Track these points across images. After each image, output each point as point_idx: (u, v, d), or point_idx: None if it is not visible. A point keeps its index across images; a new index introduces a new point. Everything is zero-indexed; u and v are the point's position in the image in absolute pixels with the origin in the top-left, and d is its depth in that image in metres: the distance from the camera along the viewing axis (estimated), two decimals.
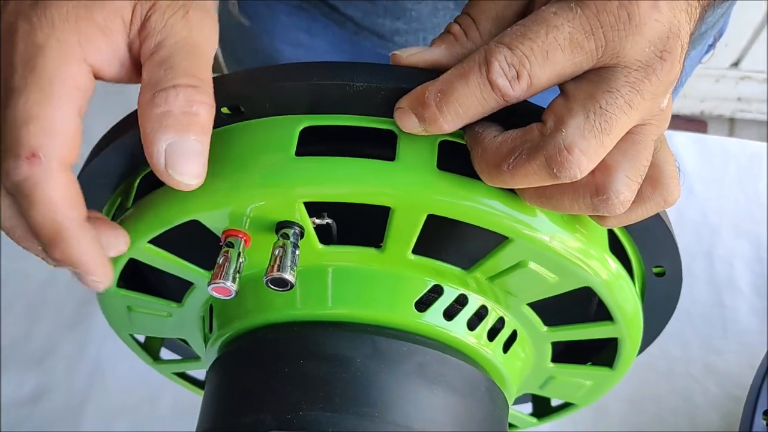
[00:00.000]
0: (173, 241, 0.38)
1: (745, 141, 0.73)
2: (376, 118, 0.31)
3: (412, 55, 0.30)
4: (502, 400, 0.37)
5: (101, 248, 0.29)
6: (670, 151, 0.31)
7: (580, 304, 0.41)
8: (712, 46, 0.69)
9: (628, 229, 0.37)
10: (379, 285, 0.34)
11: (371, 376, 0.32)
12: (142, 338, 0.47)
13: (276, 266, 0.30)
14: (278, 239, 0.31)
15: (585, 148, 0.27)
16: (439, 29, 0.61)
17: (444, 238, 0.35)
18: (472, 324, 0.35)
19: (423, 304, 0.34)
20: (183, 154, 0.27)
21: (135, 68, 0.29)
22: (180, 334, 0.43)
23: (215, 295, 0.31)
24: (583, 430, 0.59)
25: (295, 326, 0.34)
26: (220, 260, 0.31)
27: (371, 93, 0.30)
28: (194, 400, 0.54)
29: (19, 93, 0.26)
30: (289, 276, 0.30)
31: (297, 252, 0.31)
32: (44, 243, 0.28)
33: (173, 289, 0.40)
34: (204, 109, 0.28)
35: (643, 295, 0.41)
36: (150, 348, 0.47)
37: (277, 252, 0.31)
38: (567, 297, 0.36)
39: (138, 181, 0.35)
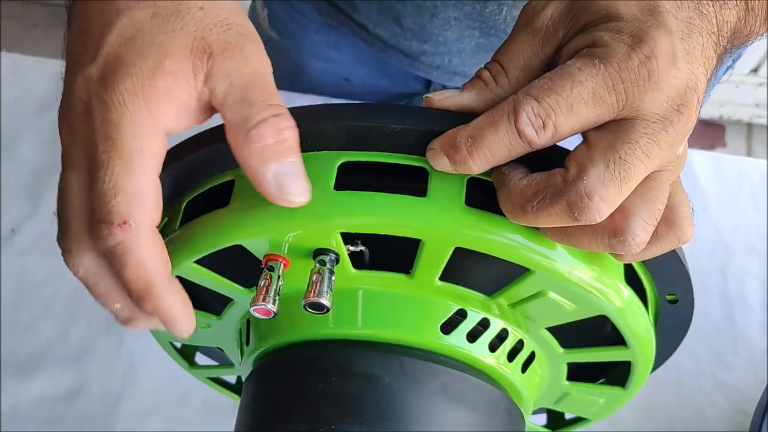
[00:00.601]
0: (215, 259, 0.41)
1: (758, 160, 0.74)
2: (410, 156, 0.33)
3: (444, 98, 0.32)
4: (519, 417, 0.39)
5: (186, 299, 0.33)
6: (685, 193, 0.33)
7: (595, 326, 0.43)
8: (730, 67, 0.70)
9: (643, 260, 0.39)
10: (407, 308, 0.36)
11: (398, 394, 0.34)
12: (178, 344, 0.49)
13: (314, 292, 0.33)
14: (315, 265, 0.34)
15: (605, 195, 0.29)
16: (464, 53, 0.63)
17: (469, 266, 0.37)
18: (494, 346, 0.37)
19: (448, 327, 0.36)
20: (288, 176, 0.30)
21: (204, 112, 0.31)
22: (217, 343, 0.45)
23: (257, 315, 0.34)
24: None
25: (327, 344, 0.36)
26: (262, 283, 0.34)
27: (406, 134, 0.32)
28: (222, 399, 0.57)
29: (105, 167, 0.29)
30: (325, 301, 0.33)
31: (333, 278, 0.33)
32: (136, 298, 0.31)
33: (213, 302, 0.43)
34: (290, 132, 0.30)
35: (657, 320, 0.43)
36: (186, 353, 0.50)
37: (314, 278, 0.33)
38: (583, 320, 0.38)
39: (184, 204, 0.37)
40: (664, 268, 0.39)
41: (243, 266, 0.36)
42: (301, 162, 0.31)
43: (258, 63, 0.31)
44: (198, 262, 0.37)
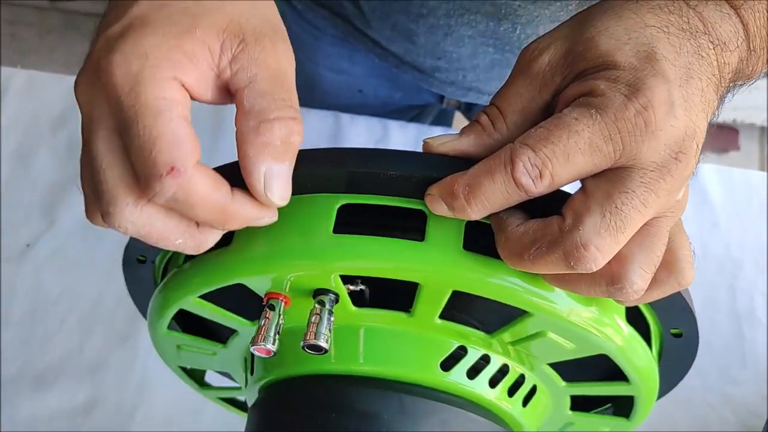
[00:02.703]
0: (219, 291, 0.41)
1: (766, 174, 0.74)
2: (408, 199, 0.33)
3: (443, 144, 0.32)
4: None
5: (254, 199, 0.31)
6: (686, 236, 0.33)
7: (599, 359, 0.43)
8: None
9: None
10: (407, 346, 0.36)
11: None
12: (188, 366, 0.50)
13: (312, 334, 0.33)
14: (314, 306, 0.34)
15: (600, 245, 0.29)
16: (479, 69, 0.63)
17: (470, 304, 0.37)
18: (494, 381, 0.37)
19: (448, 364, 0.36)
20: (278, 178, 0.30)
21: (222, 93, 0.32)
22: (224, 368, 0.46)
23: (257, 354, 0.34)
24: None
25: (328, 379, 0.37)
26: (262, 322, 0.34)
27: (403, 180, 0.32)
28: (234, 412, 0.57)
29: (135, 121, 0.29)
30: (323, 343, 0.33)
31: (331, 318, 0.34)
32: (219, 226, 0.31)
33: (218, 330, 0.43)
34: (299, 138, 0.31)
35: (661, 353, 0.43)
36: (195, 375, 0.50)
37: (313, 319, 0.33)
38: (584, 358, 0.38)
39: None
40: (667, 304, 0.39)
41: (246, 299, 0.37)
42: (292, 168, 0.31)
43: (286, 63, 0.32)
44: (202, 296, 0.38)
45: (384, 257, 0.32)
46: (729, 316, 0.67)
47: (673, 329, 0.41)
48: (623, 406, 0.44)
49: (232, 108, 0.31)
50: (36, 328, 0.65)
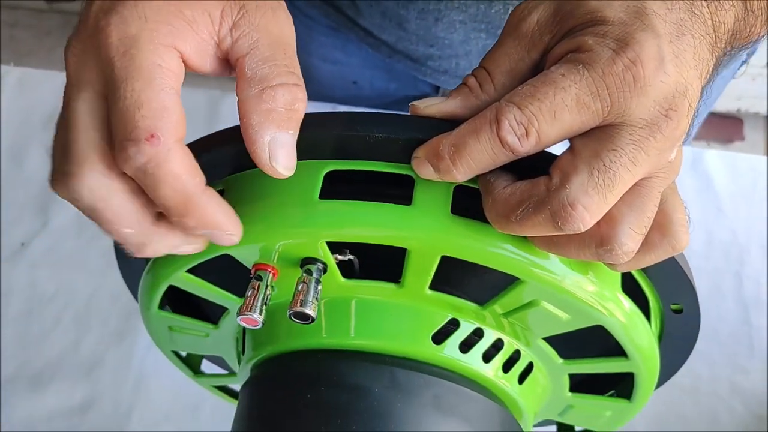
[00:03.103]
0: (209, 268, 0.41)
1: None
2: (396, 164, 0.33)
3: (429, 106, 0.32)
4: (516, 430, 0.38)
5: (228, 206, 0.31)
6: (680, 199, 0.32)
7: (600, 337, 0.42)
8: (745, 61, 0.69)
9: (644, 270, 0.38)
10: (397, 318, 0.35)
11: (388, 407, 0.34)
12: (183, 353, 0.49)
13: (299, 301, 0.32)
14: (302, 275, 0.33)
15: (588, 204, 0.28)
16: (471, 56, 0.63)
17: (462, 275, 0.36)
18: (488, 356, 0.37)
19: (440, 337, 0.36)
20: (283, 147, 0.30)
21: (221, 63, 0.31)
22: (217, 351, 0.45)
23: (244, 325, 0.33)
24: None
25: (319, 354, 0.36)
26: (249, 293, 0.33)
27: (389, 143, 0.32)
28: (233, 408, 0.57)
29: (124, 83, 0.28)
30: (309, 311, 0.32)
31: (319, 287, 0.33)
32: (177, 214, 0.30)
33: (210, 311, 0.42)
34: (303, 105, 0.30)
35: (662, 331, 0.42)
36: (191, 362, 0.50)
37: (300, 287, 0.33)
38: (585, 331, 0.37)
39: None
40: (666, 277, 0.38)
41: (237, 275, 0.36)
42: (296, 138, 0.30)
43: (287, 30, 0.31)
44: (191, 272, 0.37)
45: (370, 222, 0.32)
46: (736, 303, 0.66)
47: (673, 304, 0.40)
48: (624, 389, 0.43)
49: (227, 98, 0.31)
50: (32, 327, 0.65)
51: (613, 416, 0.44)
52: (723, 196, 0.70)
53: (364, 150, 0.32)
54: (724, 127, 1.68)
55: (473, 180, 0.32)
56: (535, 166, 0.30)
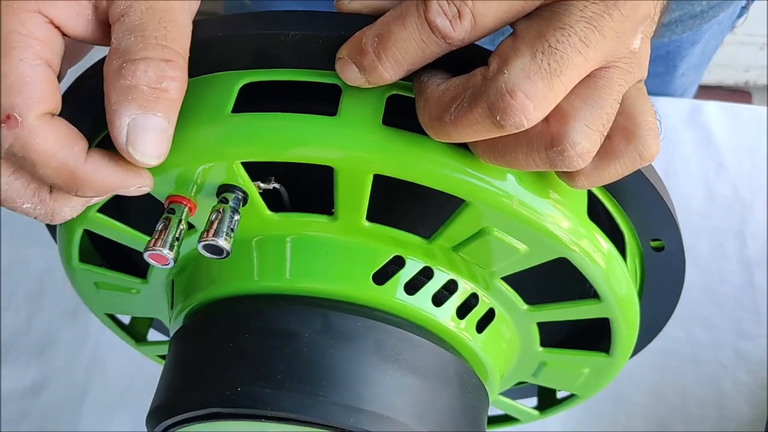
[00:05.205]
0: (135, 214, 0.37)
1: None
2: (319, 71, 0.28)
3: (354, 1, 0.28)
4: (477, 386, 0.34)
5: (123, 160, 0.27)
6: (649, 102, 0.28)
7: (576, 283, 0.38)
8: (745, 8, 0.64)
9: (618, 199, 0.34)
10: (333, 256, 0.31)
11: (319, 353, 0.29)
12: (128, 320, 0.45)
13: (211, 232, 0.28)
14: (217, 203, 0.29)
15: (530, 91, 0.24)
16: None
17: (406, 206, 0.32)
18: (439, 299, 0.32)
19: (382, 277, 0.31)
20: (146, 131, 0.26)
21: (103, 29, 0.27)
22: (152, 312, 0.41)
23: (152, 263, 0.29)
24: (603, 426, 0.56)
25: (245, 300, 0.32)
26: (159, 227, 0.29)
27: (309, 42, 0.27)
28: None
29: None
30: (223, 242, 0.28)
31: (236, 218, 0.29)
32: (68, 190, 0.27)
33: (142, 264, 0.38)
34: (175, 85, 0.26)
35: (644, 273, 0.37)
36: (134, 330, 0.46)
37: (213, 216, 0.29)
38: (557, 275, 0.33)
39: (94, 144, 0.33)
40: (643, 206, 0.33)
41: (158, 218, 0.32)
42: (172, 123, 0.26)
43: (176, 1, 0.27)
44: (106, 213, 0.33)
45: (288, 137, 0.28)
46: (739, 263, 0.61)
47: (653, 241, 0.35)
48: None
49: None
50: None
51: (592, 375, 0.40)
52: (724, 150, 0.66)
53: (283, 54, 0.28)
54: (731, 101, 1.63)
55: (410, 89, 0.28)
56: (474, 63, 0.26)
